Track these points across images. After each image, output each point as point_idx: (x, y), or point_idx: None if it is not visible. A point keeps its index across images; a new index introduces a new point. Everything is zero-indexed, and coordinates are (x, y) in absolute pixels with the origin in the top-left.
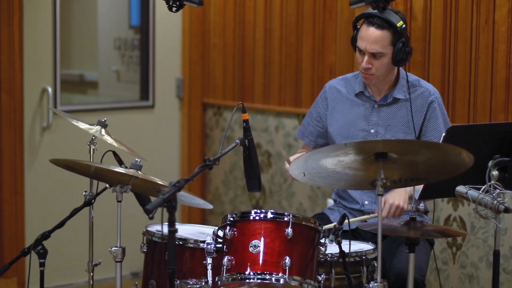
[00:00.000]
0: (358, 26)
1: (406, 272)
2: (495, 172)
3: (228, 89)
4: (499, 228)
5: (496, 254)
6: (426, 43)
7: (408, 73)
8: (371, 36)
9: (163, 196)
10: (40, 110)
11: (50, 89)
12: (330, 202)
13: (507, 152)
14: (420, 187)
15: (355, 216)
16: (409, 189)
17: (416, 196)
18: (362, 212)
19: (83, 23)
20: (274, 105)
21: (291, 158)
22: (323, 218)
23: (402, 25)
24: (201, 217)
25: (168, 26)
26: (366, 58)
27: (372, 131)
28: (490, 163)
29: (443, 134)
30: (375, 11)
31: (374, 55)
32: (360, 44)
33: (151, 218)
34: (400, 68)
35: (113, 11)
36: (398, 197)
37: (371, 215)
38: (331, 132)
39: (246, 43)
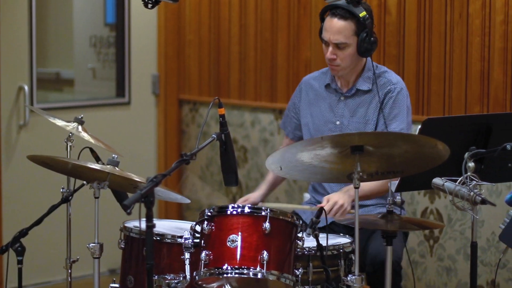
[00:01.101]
0: (325, 18)
1: (382, 256)
2: (471, 164)
3: (204, 85)
4: (476, 220)
5: (474, 246)
6: (401, 37)
7: (379, 65)
8: (334, 27)
9: (140, 191)
10: (16, 108)
11: (26, 87)
12: (307, 196)
13: (483, 144)
14: (396, 180)
15: None
16: (352, 192)
17: (393, 188)
18: None
19: (59, 21)
20: (250, 101)
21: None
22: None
23: (365, 15)
24: (178, 213)
25: (144, 23)
26: (330, 49)
27: (338, 123)
28: (466, 155)
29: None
30: (341, 2)
31: (338, 46)
32: (324, 35)
33: (129, 214)
34: (369, 60)
35: (88, 9)
36: (343, 197)
37: (313, 207)
38: (303, 125)
39: (221, 39)
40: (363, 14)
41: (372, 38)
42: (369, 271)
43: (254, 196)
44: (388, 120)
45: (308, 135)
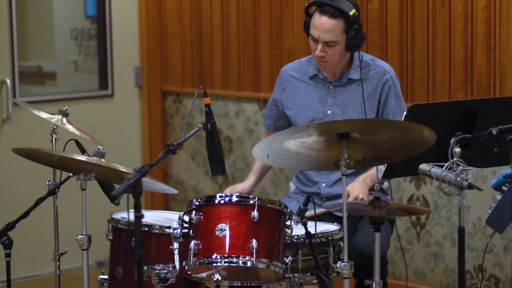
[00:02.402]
0: (311, 12)
1: (368, 250)
2: (457, 149)
3: (187, 76)
4: (463, 205)
5: (461, 231)
6: (383, 24)
7: (363, 53)
8: (324, 26)
9: (128, 181)
10: None
11: (8, 81)
12: (293, 186)
13: (469, 129)
14: (383, 167)
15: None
16: (369, 181)
17: (380, 175)
18: (319, 196)
19: (39, 15)
20: (234, 91)
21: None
22: None
23: (355, 13)
24: (164, 204)
25: (125, 14)
26: (320, 46)
27: (329, 112)
28: (452, 140)
29: (395, 114)
30: None
31: (327, 44)
32: (314, 32)
33: (117, 204)
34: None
35: (69, 1)
36: (362, 190)
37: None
38: (290, 116)
39: (203, 30)
40: (353, 12)
41: (360, 35)
42: (355, 264)
43: (242, 185)
44: (398, 113)
45: (294, 125)
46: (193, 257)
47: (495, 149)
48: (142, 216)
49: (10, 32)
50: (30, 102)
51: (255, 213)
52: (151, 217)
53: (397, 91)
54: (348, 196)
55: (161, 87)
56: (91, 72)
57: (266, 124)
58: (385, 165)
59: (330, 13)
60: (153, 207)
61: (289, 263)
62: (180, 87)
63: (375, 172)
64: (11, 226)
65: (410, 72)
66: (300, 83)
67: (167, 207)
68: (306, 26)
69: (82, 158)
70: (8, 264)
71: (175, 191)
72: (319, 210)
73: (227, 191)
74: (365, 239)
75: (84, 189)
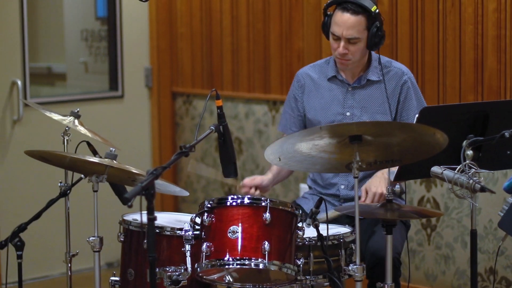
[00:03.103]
0: (329, 13)
1: (382, 252)
2: (469, 152)
3: (197, 78)
4: (475, 207)
5: (474, 234)
6: (393, 26)
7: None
8: (347, 22)
9: (141, 184)
10: (10, 103)
11: (19, 82)
12: (303, 187)
13: (481, 132)
14: (395, 169)
15: (331, 201)
16: (386, 174)
17: (392, 178)
18: (338, 197)
19: (50, 16)
20: (244, 92)
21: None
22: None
23: (376, 9)
24: (174, 205)
25: (135, 16)
26: (342, 43)
27: (348, 114)
28: (464, 143)
29: (417, 115)
30: None
31: (349, 41)
32: (336, 30)
33: (129, 207)
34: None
35: (79, 2)
36: (380, 184)
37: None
38: (309, 118)
39: (213, 31)
40: (374, 8)
41: (380, 32)
42: (369, 265)
43: (261, 177)
44: (411, 112)
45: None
46: (205, 259)
47: (508, 152)
48: (155, 218)
49: (21, 33)
50: (40, 103)
51: (267, 215)
52: (162, 219)
53: (417, 91)
54: (366, 193)
55: (171, 88)
56: (101, 73)
57: (291, 132)
58: (397, 167)
59: (352, 9)
60: (163, 208)
61: (301, 265)
62: (190, 88)
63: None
64: (22, 227)
65: (420, 74)
66: (319, 84)
67: (177, 209)
68: (325, 27)
69: (95, 160)
70: (19, 265)
71: (186, 193)
72: (332, 214)
73: (246, 181)
74: (379, 241)
75: (96, 191)
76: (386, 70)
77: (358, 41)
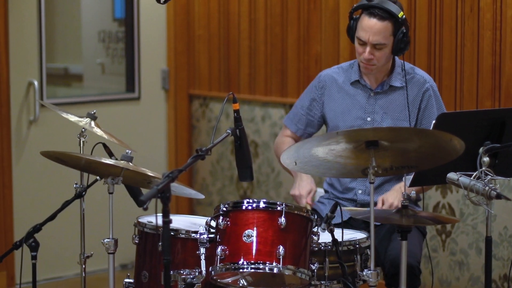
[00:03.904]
0: (355, 16)
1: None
2: (486, 159)
3: (214, 80)
4: (491, 214)
5: (489, 241)
6: (412, 31)
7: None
8: (374, 28)
9: (157, 186)
10: (26, 104)
11: (36, 83)
12: (319, 191)
13: (497, 138)
14: (411, 176)
15: (347, 206)
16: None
17: (408, 183)
18: (355, 202)
19: (67, 16)
20: (260, 95)
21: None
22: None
23: (403, 15)
24: (189, 208)
25: (153, 18)
26: (368, 49)
27: (369, 119)
28: (481, 150)
29: (434, 121)
30: (374, 1)
31: (375, 46)
32: (362, 35)
33: (145, 209)
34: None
35: (97, 4)
36: (397, 197)
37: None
38: (328, 121)
39: (231, 34)
40: (401, 14)
41: (406, 38)
42: (389, 273)
43: (311, 186)
44: (432, 120)
45: (331, 130)
46: (219, 263)
47: None
48: (170, 221)
49: (39, 33)
50: (56, 104)
51: (282, 220)
52: (176, 221)
53: (439, 100)
54: (383, 203)
55: (187, 90)
56: (118, 74)
57: (295, 128)
58: (413, 173)
59: (379, 15)
60: (178, 211)
61: (315, 270)
62: (207, 91)
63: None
64: (37, 228)
65: (438, 79)
66: (342, 87)
67: (191, 211)
68: (350, 31)
69: (110, 161)
70: (34, 266)
71: (202, 196)
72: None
73: (308, 199)
74: (397, 248)
75: (112, 193)
76: (409, 76)
77: (384, 47)
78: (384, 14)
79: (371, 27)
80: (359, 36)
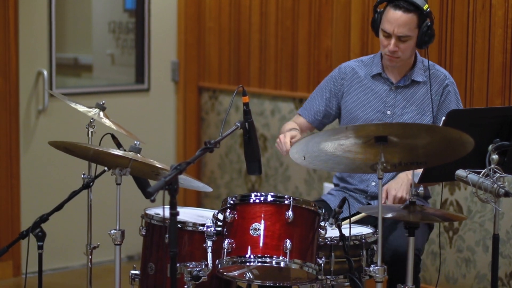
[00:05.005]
0: (379, 10)
1: (402, 248)
2: (495, 156)
3: (224, 73)
4: (498, 212)
5: (496, 238)
6: None
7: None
8: (399, 20)
9: (164, 178)
10: (35, 93)
11: (45, 72)
12: (326, 186)
13: (507, 136)
14: (419, 171)
15: (357, 198)
16: (410, 176)
17: (416, 180)
18: (366, 193)
19: (77, 7)
20: (270, 89)
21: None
22: (323, 205)
23: (428, 8)
24: (197, 201)
25: (163, 9)
26: (393, 41)
27: (389, 112)
28: (490, 147)
29: (443, 117)
30: None
31: (400, 38)
32: (387, 27)
33: (152, 201)
34: (416, 51)
35: None
36: (401, 188)
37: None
38: (346, 113)
39: (241, 27)
40: (426, 7)
41: (430, 31)
42: (388, 262)
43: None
44: None
45: (349, 122)
46: (226, 256)
47: None
48: (177, 213)
49: (49, 23)
50: (65, 94)
51: (289, 213)
52: (184, 214)
53: (457, 97)
54: (387, 196)
55: (197, 83)
56: (127, 65)
57: (312, 118)
58: (422, 169)
59: (404, 7)
60: (185, 203)
61: (322, 265)
62: (217, 83)
63: None
64: (44, 218)
65: None
66: (362, 80)
67: (199, 204)
68: (374, 24)
69: (119, 152)
70: (40, 256)
71: (209, 189)
72: (357, 216)
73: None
74: (399, 238)
75: (119, 184)
76: (431, 71)
77: (409, 39)
78: (409, 6)
79: (396, 19)
80: (384, 28)
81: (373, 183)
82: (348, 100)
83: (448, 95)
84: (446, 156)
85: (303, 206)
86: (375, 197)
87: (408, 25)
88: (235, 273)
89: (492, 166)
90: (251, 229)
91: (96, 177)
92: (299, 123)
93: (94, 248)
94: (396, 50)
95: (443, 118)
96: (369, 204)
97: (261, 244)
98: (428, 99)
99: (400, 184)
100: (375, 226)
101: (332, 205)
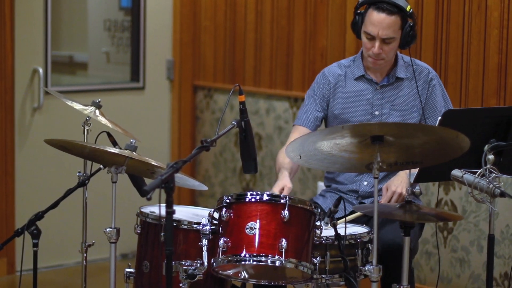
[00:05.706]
0: (359, 11)
1: (394, 240)
2: (491, 156)
3: (219, 72)
4: (494, 212)
5: (491, 239)
6: (418, 27)
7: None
8: (384, 22)
9: (161, 177)
10: (31, 91)
11: (41, 70)
12: (321, 185)
13: (503, 137)
14: (415, 171)
15: (348, 199)
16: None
17: (412, 179)
18: (356, 193)
19: (73, 4)
20: (265, 88)
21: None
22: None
23: (410, 9)
24: (191, 199)
25: (159, 7)
26: (377, 43)
27: (377, 113)
28: (486, 147)
29: (442, 111)
30: None
31: (384, 40)
32: (371, 29)
33: (148, 199)
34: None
35: None
36: (401, 184)
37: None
38: (334, 117)
39: (237, 26)
40: (408, 8)
41: (412, 32)
42: (381, 255)
43: (289, 187)
44: (446, 106)
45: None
46: (221, 254)
47: None
48: (173, 212)
49: (45, 21)
50: (61, 92)
51: (285, 213)
52: (179, 212)
53: (443, 89)
54: (387, 191)
55: (192, 81)
56: (123, 64)
57: (312, 126)
58: (417, 169)
59: (388, 9)
60: (180, 202)
61: (317, 264)
62: (212, 82)
63: None
64: (39, 216)
65: (443, 76)
66: (346, 84)
67: (193, 202)
68: (356, 26)
69: (114, 150)
70: (35, 253)
71: (205, 188)
72: (353, 215)
73: (277, 190)
74: (391, 231)
75: (115, 182)
76: (411, 68)
77: (393, 41)
78: (392, 8)
79: (380, 21)
80: (368, 31)
81: (365, 183)
82: (335, 105)
83: (434, 88)
84: (442, 156)
85: (299, 205)
86: (366, 196)
87: (392, 27)
88: (230, 272)
89: (488, 166)
90: (247, 228)
91: (92, 175)
92: (301, 134)
93: (89, 246)
94: (380, 53)
95: (439, 118)
96: (361, 203)
97: (256, 243)
98: (414, 95)
99: (401, 181)
100: (369, 225)
101: (323, 207)
